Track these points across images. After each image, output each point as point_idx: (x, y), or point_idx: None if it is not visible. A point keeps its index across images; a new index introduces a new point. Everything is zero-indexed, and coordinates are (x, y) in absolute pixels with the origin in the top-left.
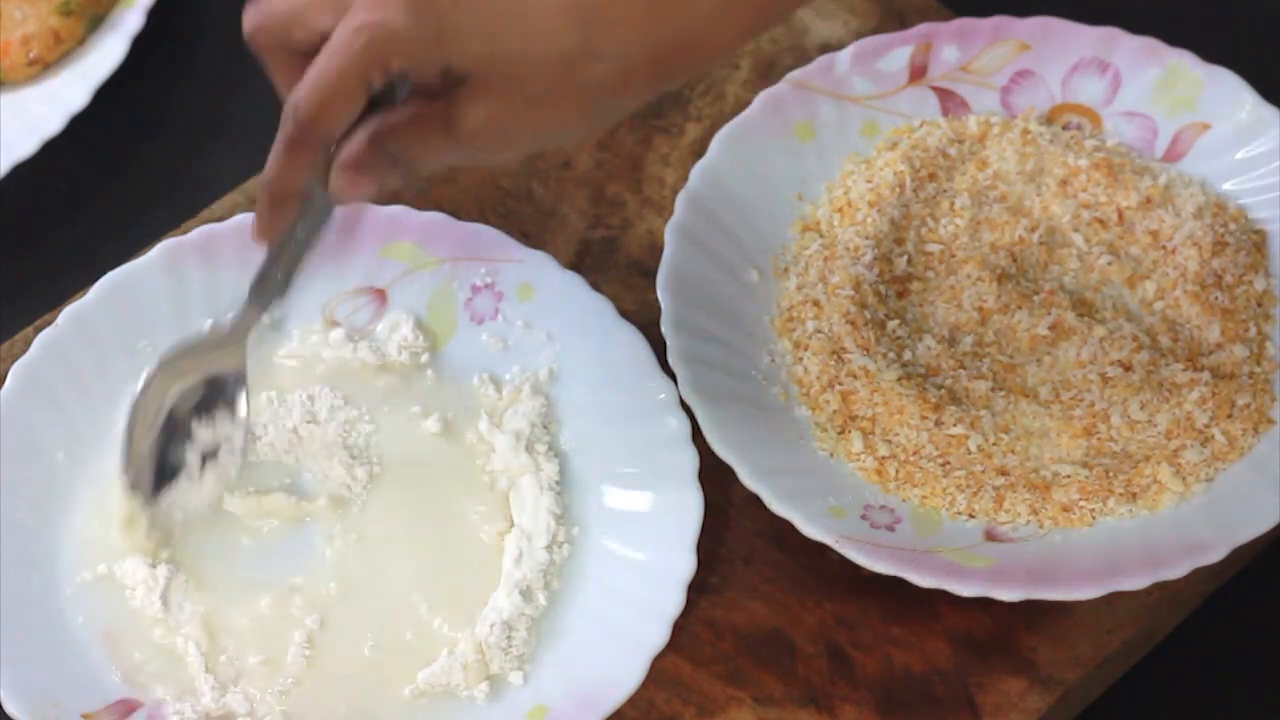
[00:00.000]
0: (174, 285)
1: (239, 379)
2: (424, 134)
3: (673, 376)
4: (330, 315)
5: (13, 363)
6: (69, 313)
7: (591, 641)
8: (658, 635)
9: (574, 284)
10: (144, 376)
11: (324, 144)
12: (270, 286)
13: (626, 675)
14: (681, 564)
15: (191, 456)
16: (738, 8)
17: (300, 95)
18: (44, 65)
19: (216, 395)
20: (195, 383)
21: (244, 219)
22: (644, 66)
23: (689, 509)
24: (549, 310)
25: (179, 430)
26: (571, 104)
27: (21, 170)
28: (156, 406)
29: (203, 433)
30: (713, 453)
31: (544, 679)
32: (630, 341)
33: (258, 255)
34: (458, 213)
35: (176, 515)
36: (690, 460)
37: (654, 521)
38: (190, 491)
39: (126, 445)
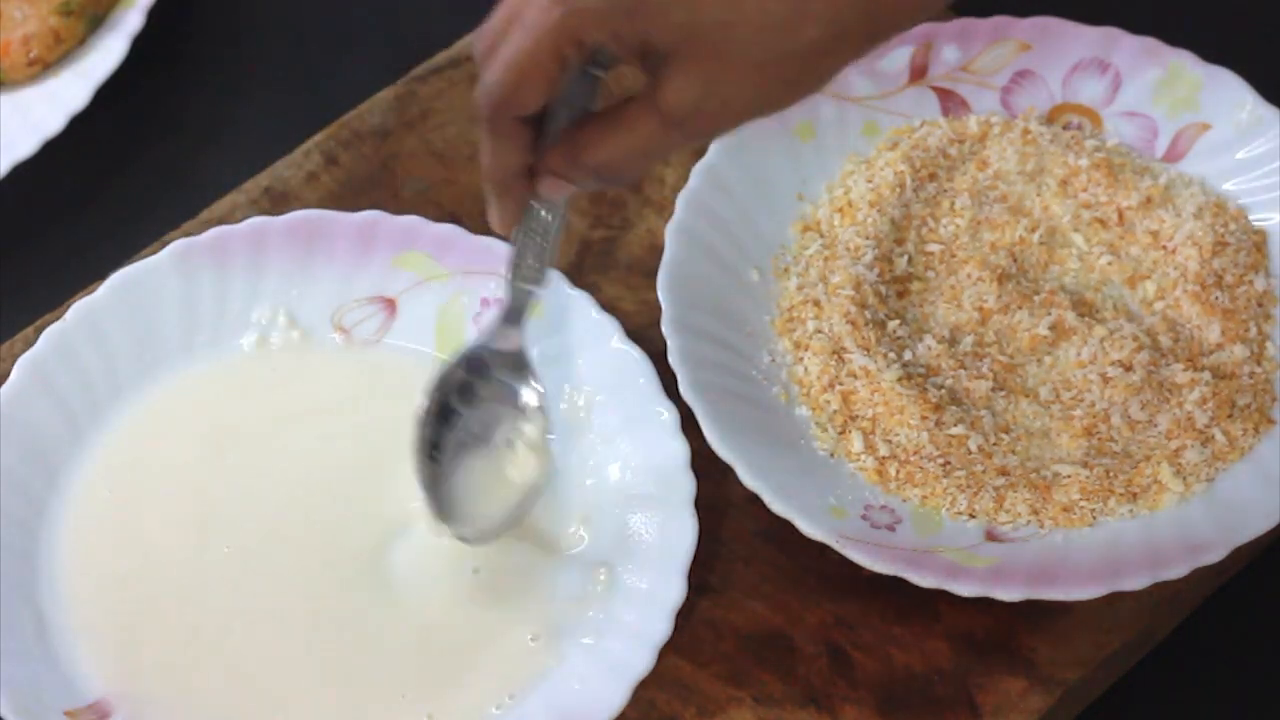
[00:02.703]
0: (184, 285)
1: (518, 358)
2: (632, 122)
3: (677, 393)
4: (340, 323)
5: (13, 362)
6: (78, 308)
7: (574, 665)
8: (642, 662)
9: (582, 302)
10: (424, 407)
11: (523, 123)
12: (526, 273)
13: (608, 701)
14: (671, 591)
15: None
16: None
17: (492, 76)
18: (44, 65)
19: (482, 381)
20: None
21: (257, 222)
22: (857, 24)
23: (682, 535)
24: (556, 328)
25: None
26: (785, 68)
27: (21, 170)
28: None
29: (478, 423)
30: (713, 453)
31: (525, 702)
32: (635, 362)
33: (269, 258)
34: (458, 211)
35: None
36: (688, 486)
37: (646, 546)
38: (506, 479)
39: (427, 481)
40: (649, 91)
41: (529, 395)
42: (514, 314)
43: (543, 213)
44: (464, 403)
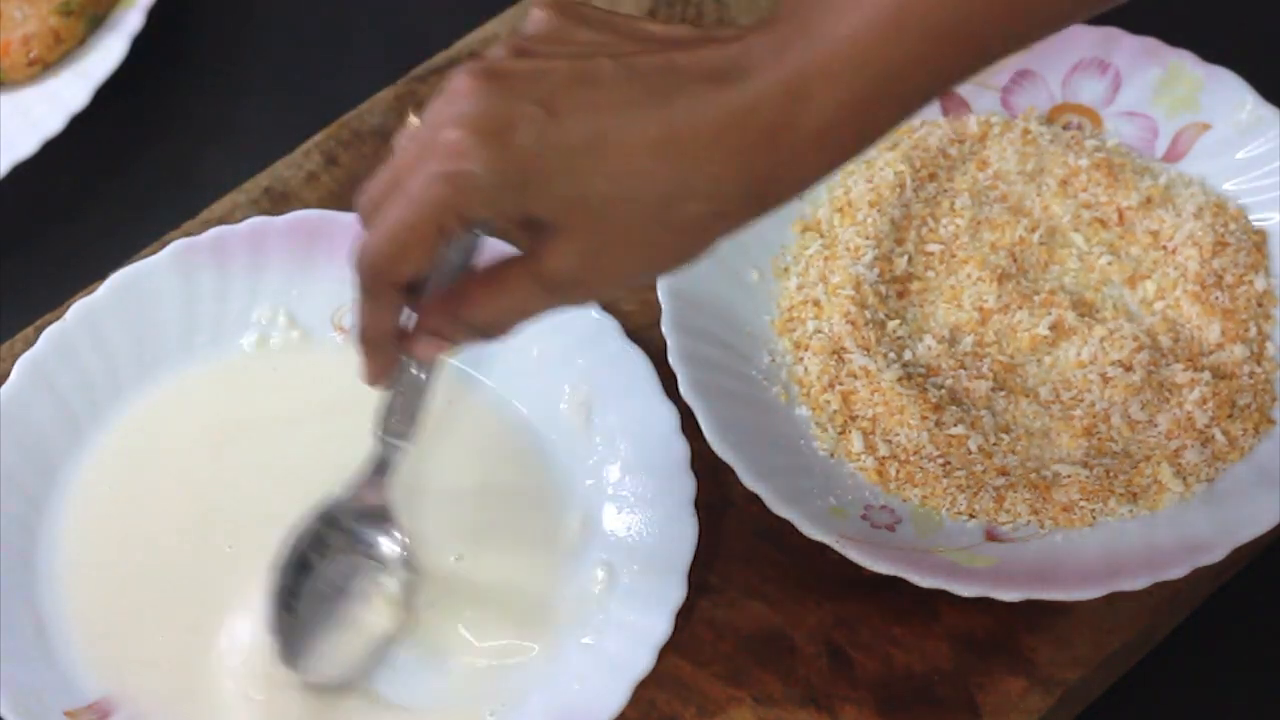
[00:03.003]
0: (184, 286)
1: (382, 510)
2: (513, 284)
3: (677, 393)
4: (340, 322)
5: (13, 362)
6: (77, 309)
7: (574, 665)
8: (642, 662)
9: None
10: (280, 558)
11: (400, 289)
12: (395, 428)
13: (608, 701)
14: (671, 591)
15: (342, 604)
16: (830, 137)
17: (371, 245)
18: (44, 65)
19: (336, 533)
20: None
21: (257, 222)
22: (740, 199)
23: (682, 535)
24: (556, 329)
25: (315, 585)
26: (666, 242)
27: (21, 170)
28: (291, 574)
29: (336, 575)
30: (713, 453)
31: (525, 701)
32: (636, 363)
33: (269, 258)
34: None
35: (339, 669)
36: (688, 487)
37: (646, 546)
38: (353, 641)
39: (275, 616)
40: (529, 256)
41: (389, 547)
42: (380, 467)
43: (414, 369)
44: (321, 555)
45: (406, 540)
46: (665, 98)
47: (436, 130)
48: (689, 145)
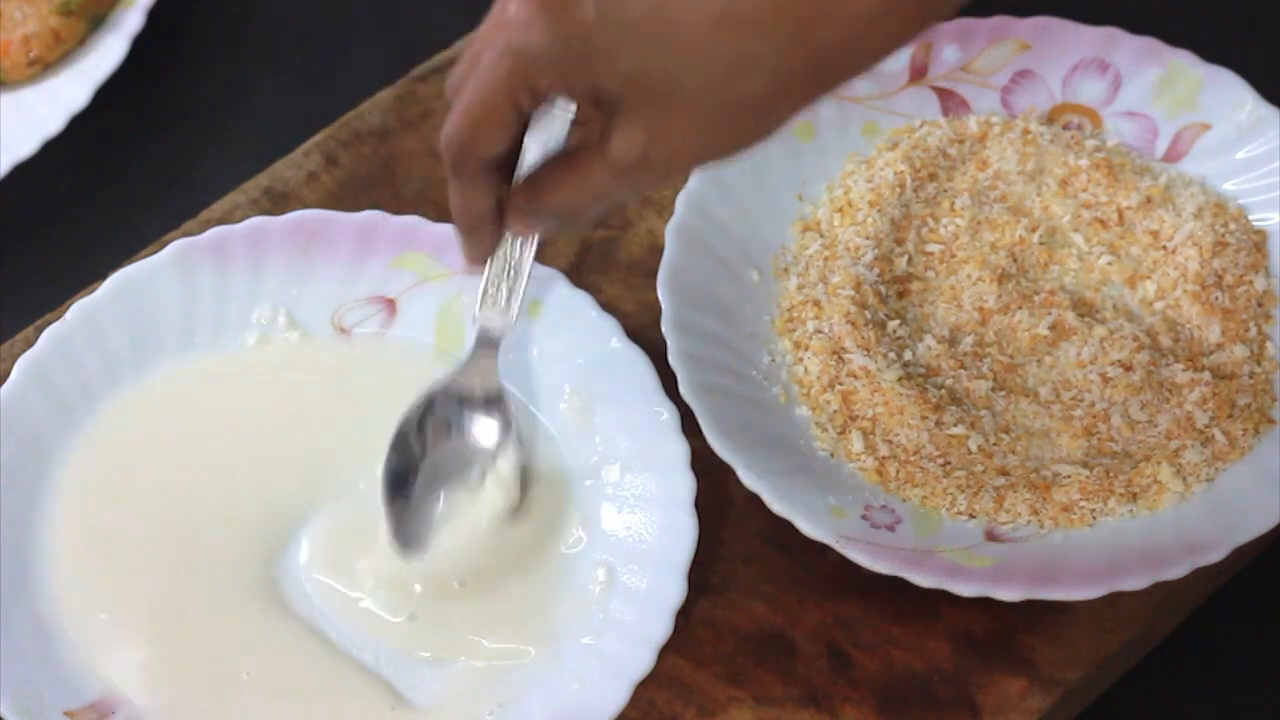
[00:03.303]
0: (184, 286)
1: (490, 390)
2: (583, 169)
3: (677, 393)
4: (339, 322)
5: (13, 362)
6: (78, 309)
7: (574, 665)
8: (642, 662)
9: (582, 303)
10: (395, 439)
11: (486, 166)
12: (496, 305)
13: (608, 701)
14: (671, 591)
15: (450, 488)
16: (899, 5)
17: (451, 125)
18: (44, 65)
19: (446, 415)
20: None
21: (257, 222)
22: (804, 73)
23: (682, 535)
24: (556, 327)
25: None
26: (732, 117)
27: (21, 170)
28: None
29: (448, 460)
30: (713, 453)
31: (525, 701)
32: (636, 362)
33: (269, 258)
34: None
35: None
36: (688, 486)
37: (646, 546)
38: (467, 520)
39: (393, 510)
40: (600, 137)
41: (502, 429)
42: (484, 344)
43: (515, 247)
44: (435, 437)
45: (512, 425)
46: None
47: (505, 5)
48: (751, 18)
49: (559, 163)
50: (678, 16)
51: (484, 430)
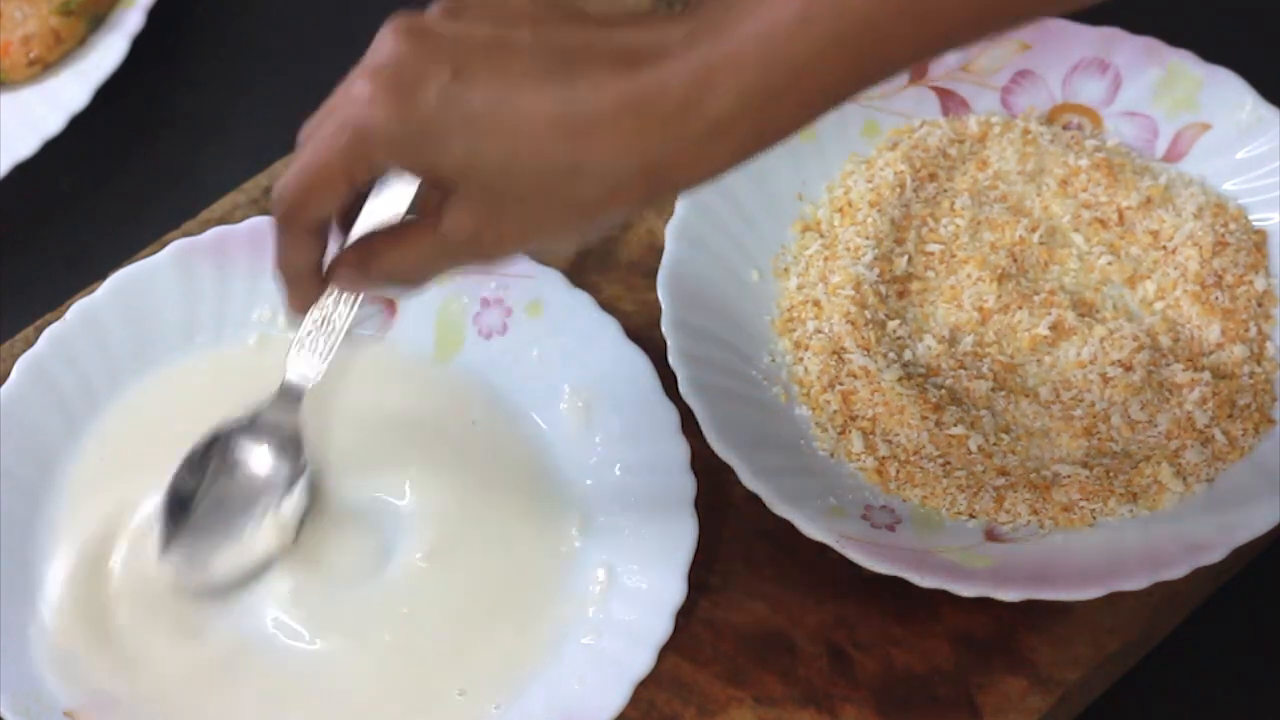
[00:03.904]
0: (184, 286)
1: (287, 441)
2: (414, 240)
3: (677, 393)
4: None
5: (13, 362)
6: (78, 309)
7: (574, 665)
8: (642, 662)
9: (582, 303)
10: (189, 456)
11: (312, 226)
12: (306, 358)
13: (608, 701)
14: (671, 591)
15: (238, 518)
16: (728, 131)
17: (284, 183)
18: (44, 65)
19: (238, 450)
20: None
21: (257, 222)
22: (634, 183)
23: (682, 535)
24: (557, 328)
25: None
26: (558, 216)
27: (21, 170)
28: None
29: (236, 488)
30: (713, 453)
31: (525, 701)
32: (636, 363)
33: (268, 258)
34: None
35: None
36: (688, 486)
37: (646, 546)
38: (236, 555)
39: (167, 522)
40: (433, 213)
41: (289, 475)
42: (289, 393)
43: (338, 302)
44: (224, 468)
45: (308, 465)
46: (571, 75)
47: (353, 79)
48: (585, 124)
49: (394, 230)
50: (516, 114)
51: (273, 471)
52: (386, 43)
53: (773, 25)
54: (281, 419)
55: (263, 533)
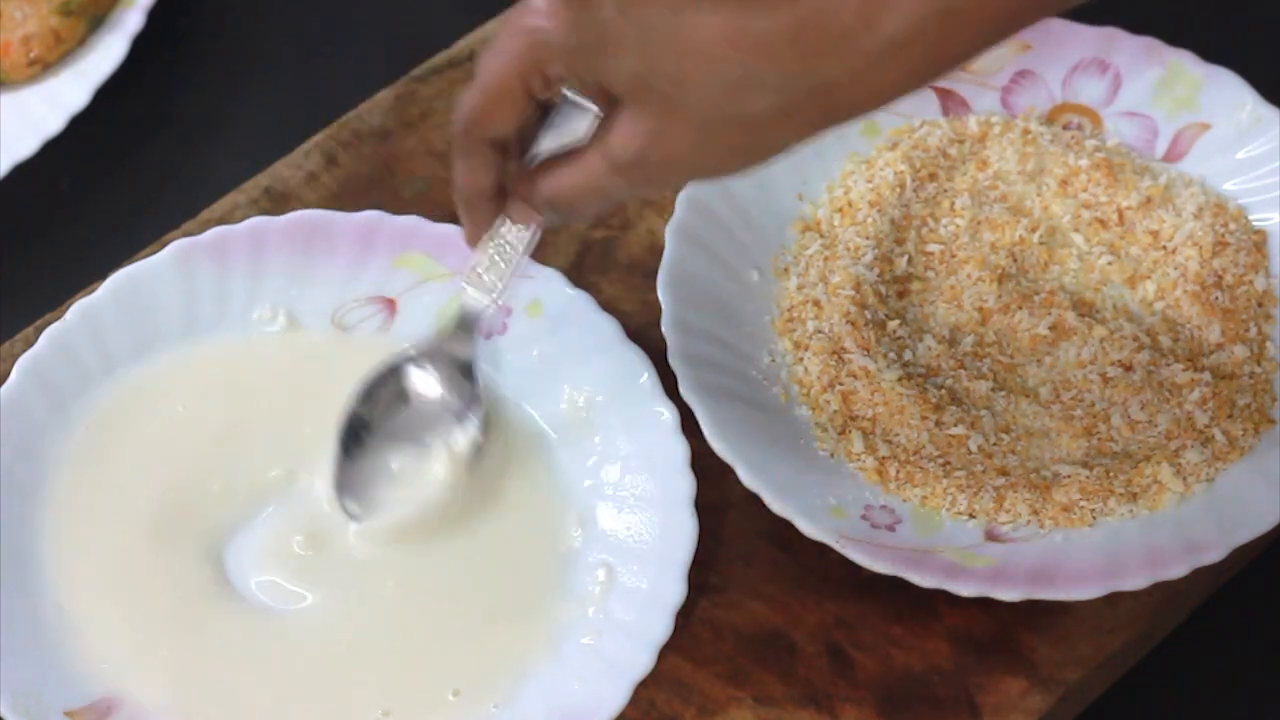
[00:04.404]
0: (184, 285)
1: (467, 365)
2: (584, 162)
3: (677, 393)
4: (340, 323)
5: (13, 362)
6: (78, 308)
7: (574, 665)
8: (642, 662)
9: (582, 303)
10: (363, 383)
11: (493, 146)
12: (482, 284)
13: (608, 701)
14: (671, 591)
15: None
16: (904, 52)
17: (464, 99)
18: (44, 65)
19: (412, 380)
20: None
21: (257, 222)
22: (805, 102)
23: (682, 535)
24: (557, 328)
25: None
26: (730, 134)
27: (21, 170)
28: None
29: (408, 419)
30: (713, 453)
31: (523, 701)
32: (636, 363)
33: (269, 258)
34: (458, 211)
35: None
36: (688, 486)
37: (646, 546)
38: (408, 489)
39: (340, 454)
40: (603, 131)
41: (465, 404)
42: (466, 322)
43: (512, 232)
44: (397, 399)
45: (484, 397)
46: None
47: None
48: (764, 39)
49: (563, 155)
50: (691, 26)
51: (446, 401)
52: None
53: None
54: (457, 349)
55: (434, 465)
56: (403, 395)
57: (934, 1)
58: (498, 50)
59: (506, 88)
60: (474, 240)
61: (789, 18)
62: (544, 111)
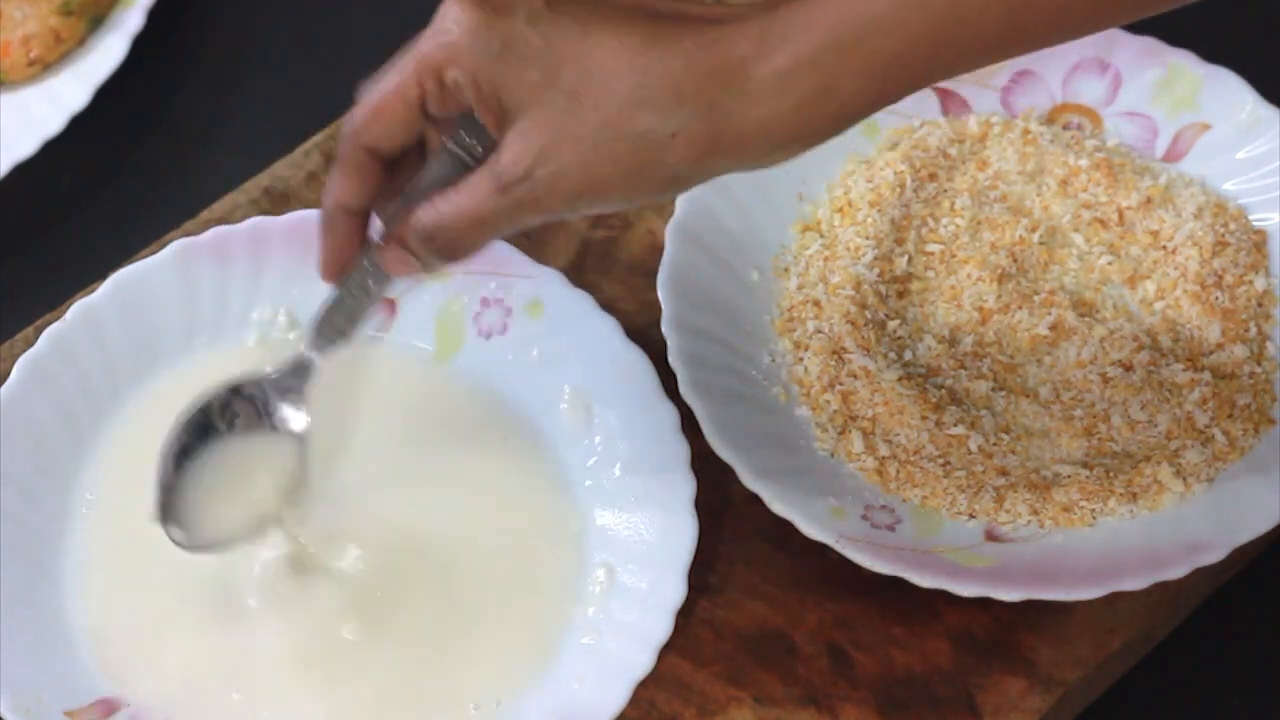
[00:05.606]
0: (184, 285)
1: (297, 396)
2: (469, 186)
3: (677, 393)
4: None
5: (13, 362)
6: (78, 308)
7: (574, 665)
8: (642, 662)
9: (582, 302)
10: (186, 415)
11: (372, 156)
12: (328, 332)
13: (608, 701)
14: (671, 591)
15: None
16: (793, 84)
17: (356, 108)
18: (44, 65)
19: (244, 404)
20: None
21: (257, 222)
22: (695, 126)
23: (682, 535)
24: (557, 328)
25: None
26: (620, 152)
27: (21, 170)
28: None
29: (235, 447)
30: (713, 453)
31: (524, 700)
32: (636, 363)
33: (269, 258)
34: None
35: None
36: (688, 486)
37: (646, 546)
38: (233, 513)
39: (164, 482)
40: (492, 159)
41: (293, 427)
42: (300, 369)
43: (369, 278)
44: (228, 423)
45: (309, 426)
46: (657, 23)
47: (446, 8)
48: (663, 60)
49: (448, 183)
50: (598, 43)
51: (274, 436)
52: None
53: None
54: (290, 385)
55: (258, 497)
56: (229, 424)
57: (827, 38)
58: (401, 55)
59: (401, 92)
60: (328, 268)
61: (691, 43)
62: (423, 155)
